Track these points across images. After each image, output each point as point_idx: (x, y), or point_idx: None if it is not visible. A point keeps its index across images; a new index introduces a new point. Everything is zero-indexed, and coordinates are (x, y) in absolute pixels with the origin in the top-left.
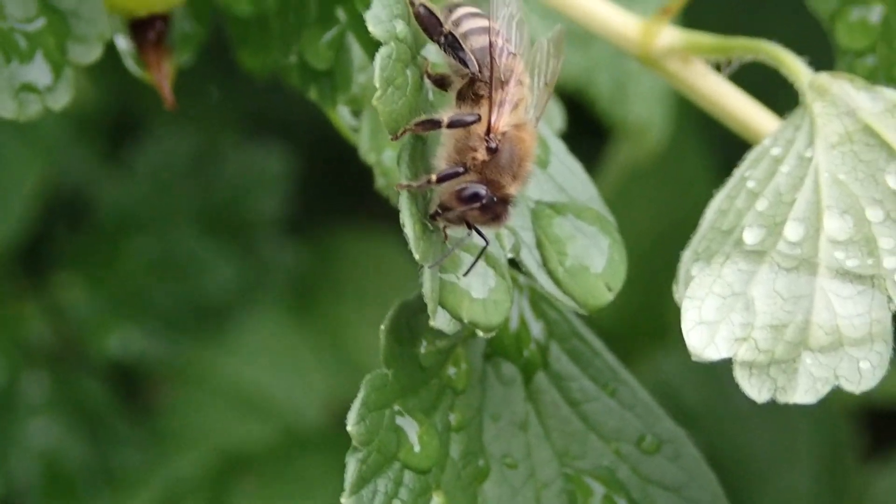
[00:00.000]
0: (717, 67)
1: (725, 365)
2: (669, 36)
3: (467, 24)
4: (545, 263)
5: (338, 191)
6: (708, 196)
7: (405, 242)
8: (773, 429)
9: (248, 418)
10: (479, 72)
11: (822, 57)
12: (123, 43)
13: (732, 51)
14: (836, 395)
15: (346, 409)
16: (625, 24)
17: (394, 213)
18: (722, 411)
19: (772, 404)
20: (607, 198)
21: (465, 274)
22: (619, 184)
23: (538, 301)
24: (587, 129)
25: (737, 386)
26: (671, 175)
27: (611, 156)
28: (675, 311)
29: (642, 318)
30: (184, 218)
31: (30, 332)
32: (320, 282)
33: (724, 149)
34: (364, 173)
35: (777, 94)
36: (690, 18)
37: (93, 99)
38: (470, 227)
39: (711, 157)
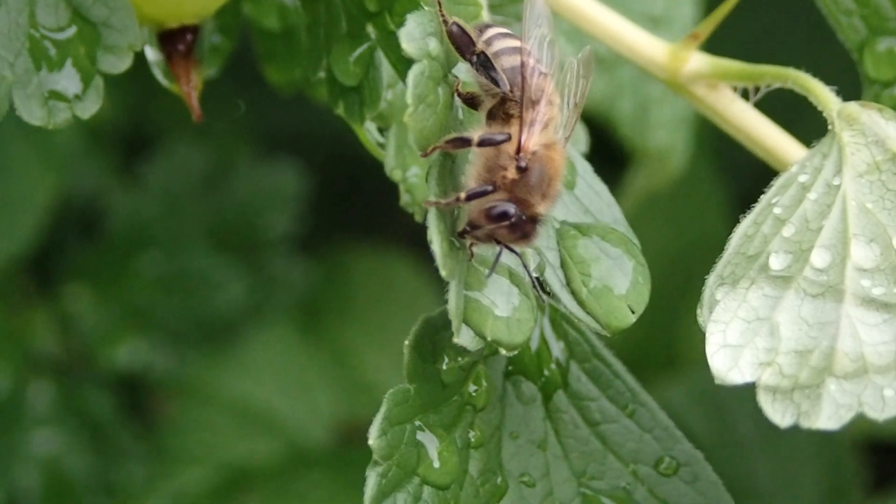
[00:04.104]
0: (744, 94)
1: (731, 395)
2: (697, 61)
3: (499, 44)
4: (569, 283)
5: (349, 210)
6: (718, 223)
7: (416, 263)
8: (777, 459)
9: (253, 435)
10: (510, 91)
11: (844, 88)
12: (152, 54)
13: (761, 78)
14: (843, 426)
15: (351, 428)
16: (653, 49)
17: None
18: (727, 441)
19: (776, 435)
20: None
21: (488, 276)
22: (632, 210)
23: (559, 321)
24: (606, 155)
25: (742, 416)
26: (682, 202)
27: (628, 182)
28: (684, 340)
29: (650, 346)
30: (195, 233)
31: (37, 342)
32: (329, 301)
33: (736, 177)
34: (376, 193)
35: (794, 119)
36: (713, 44)
37: (108, 111)
38: (499, 244)
39: (723, 184)
